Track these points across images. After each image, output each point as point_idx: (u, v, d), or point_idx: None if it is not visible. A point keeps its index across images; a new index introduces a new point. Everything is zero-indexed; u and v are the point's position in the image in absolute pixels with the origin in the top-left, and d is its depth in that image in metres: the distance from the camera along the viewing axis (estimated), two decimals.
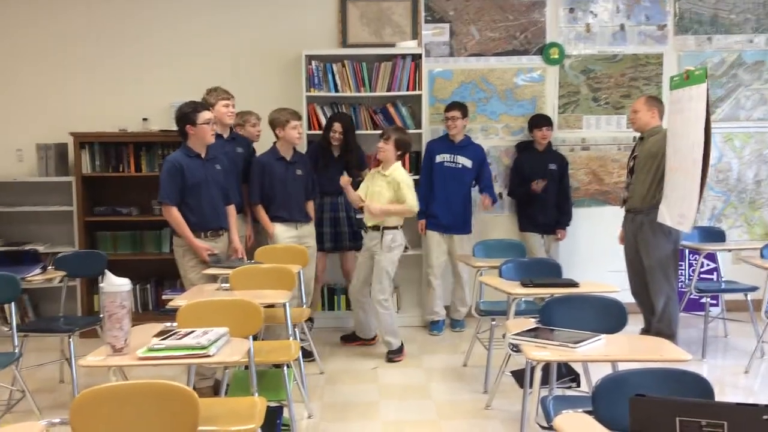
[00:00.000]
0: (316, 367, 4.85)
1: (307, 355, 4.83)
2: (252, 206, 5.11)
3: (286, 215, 5.07)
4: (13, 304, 4.04)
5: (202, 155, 4.40)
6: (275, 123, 5.00)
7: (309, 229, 5.22)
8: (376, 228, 5.02)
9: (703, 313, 5.25)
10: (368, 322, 5.33)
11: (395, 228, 5.02)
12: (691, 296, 5.49)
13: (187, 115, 4.30)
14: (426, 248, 5.81)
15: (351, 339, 5.46)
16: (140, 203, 5.88)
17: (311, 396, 4.30)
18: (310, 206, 5.28)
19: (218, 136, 4.90)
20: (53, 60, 6.02)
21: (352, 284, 5.28)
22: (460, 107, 5.71)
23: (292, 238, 5.07)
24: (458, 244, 5.74)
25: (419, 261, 5.97)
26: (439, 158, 5.72)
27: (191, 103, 4.36)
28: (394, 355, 5.05)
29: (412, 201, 4.94)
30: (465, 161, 5.72)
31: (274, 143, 5.12)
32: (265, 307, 3.38)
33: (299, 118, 5.06)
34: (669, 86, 4.99)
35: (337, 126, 5.41)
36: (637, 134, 5.22)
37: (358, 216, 5.48)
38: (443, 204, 5.69)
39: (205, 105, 4.51)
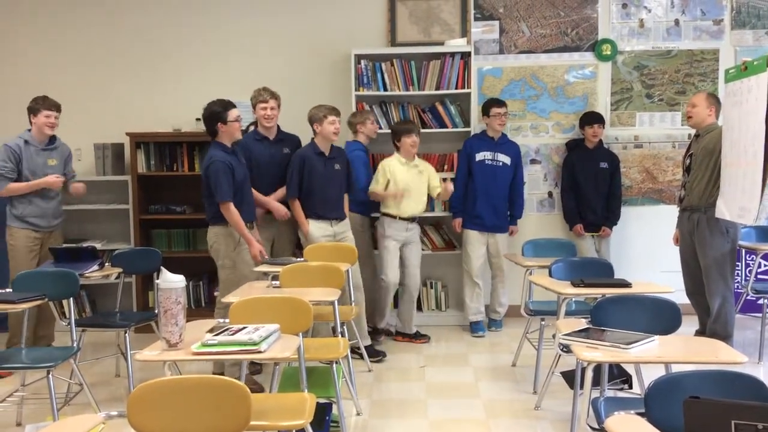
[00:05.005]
0: (365, 364, 4.88)
1: (372, 352, 4.98)
2: (289, 201, 5.05)
3: (322, 212, 5.05)
4: (71, 299, 4.16)
5: (232, 150, 4.51)
6: (313, 119, 5.03)
7: (345, 226, 5.18)
8: (412, 219, 5.33)
9: (760, 314, 5.11)
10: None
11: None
12: (748, 297, 5.34)
13: (218, 113, 4.40)
14: (467, 249, 5.73)
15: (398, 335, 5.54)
16: (193, 202, 5.98)
17: (360, 393, 4.33)
18: (346, 201, 5.26)
19: (264, 138, 4.98)
20: (110, 62, 6.19)
21: (393, 276, 5.31)
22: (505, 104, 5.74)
23: (327, 237, 5.05)
24: (499, 243, 5.72)
25: (457, 260, 5.94)
26: (479, 156, 5.66)
27: (220, 102, 4.45)
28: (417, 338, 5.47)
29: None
30: (505, 159, 5.68)
31: (312, 139, 5.15)
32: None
33: (337, 114, 5.06)
34: (724, 79, 4.86)
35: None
36: (693, 131, 5.11)
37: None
38: (487, 203, 5.63)
39: (232, 103, 4.51)
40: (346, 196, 5.25)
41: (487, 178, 5.64)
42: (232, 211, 4.36)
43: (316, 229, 5.02)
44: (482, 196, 5.63)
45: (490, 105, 5.68)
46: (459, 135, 5.89)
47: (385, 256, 5.35)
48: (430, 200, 5.66)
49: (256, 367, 4.73)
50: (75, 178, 5.26)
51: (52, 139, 5.06)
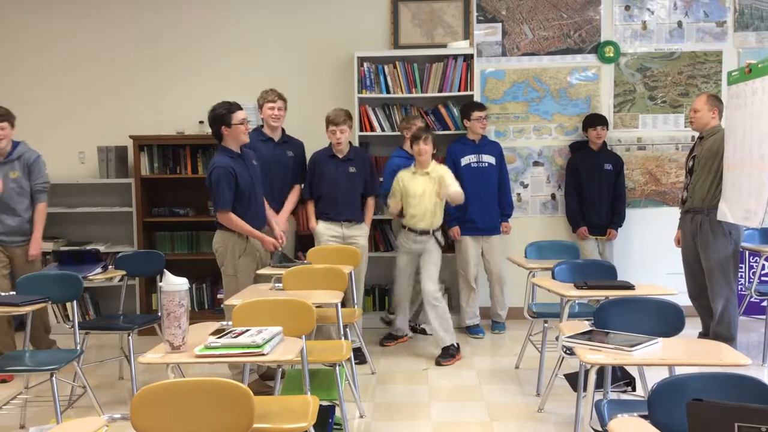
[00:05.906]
0: (368, 367, 4.88)
1: (358, 355, 4.88)
2: (305, 201, 5.23)
3: (331, 213, 5.10)
4: (75, 302, 4.16)
5: (239, 154, 4.40)
6: (325, 123, 5.10)
7: (359, 229, 5.18)
8: (425, 232, 5.09)
9: (763, 316, 5.09)
10: (406, 319, 5.51)
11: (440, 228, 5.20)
12: (752, 299, 5.33)
13: (221, 116, 4.28)
14: (462, 254, 5.70)
15: (390, 339, 5.51)
16: (196, 204, 6.00)
17: (362, 396, 4.33)
18: (369, 203, 5.26)
19: (269, 140, 4.99)
20: (114, 65, 6.20)
21: (399, 286, 5.33)
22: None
23: (334, 238, 5.09)
24: (494, 247, 5.72)
25: (452, 264, 5.93)
26: (465, 161, 5.64)
27: (224, 104, 4.32)
28: (445, 359, 4.99)
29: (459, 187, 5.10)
30: (489, 159, 5.67)
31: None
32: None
33: (338, 122, 4.97)
34: (727, 81, 4.85)
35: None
36: (696, 133, 5.10)
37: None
38: (478, 207, 5.61)
39: (238, 105, 4.39)
40: (370, 202, 5.25)
41: (476, 180, 5.61)
42: (232, 218, 4.30)
43: (323, 228, 5.12)
44: (473, 199, 5.55)
45: (471, 108, 5.63)
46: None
47: (397, 267, 5.34)
48: None
49: (261, 369, 4.73)
50: (47, 186, 4.99)
51: (15, 148, 4.86)
